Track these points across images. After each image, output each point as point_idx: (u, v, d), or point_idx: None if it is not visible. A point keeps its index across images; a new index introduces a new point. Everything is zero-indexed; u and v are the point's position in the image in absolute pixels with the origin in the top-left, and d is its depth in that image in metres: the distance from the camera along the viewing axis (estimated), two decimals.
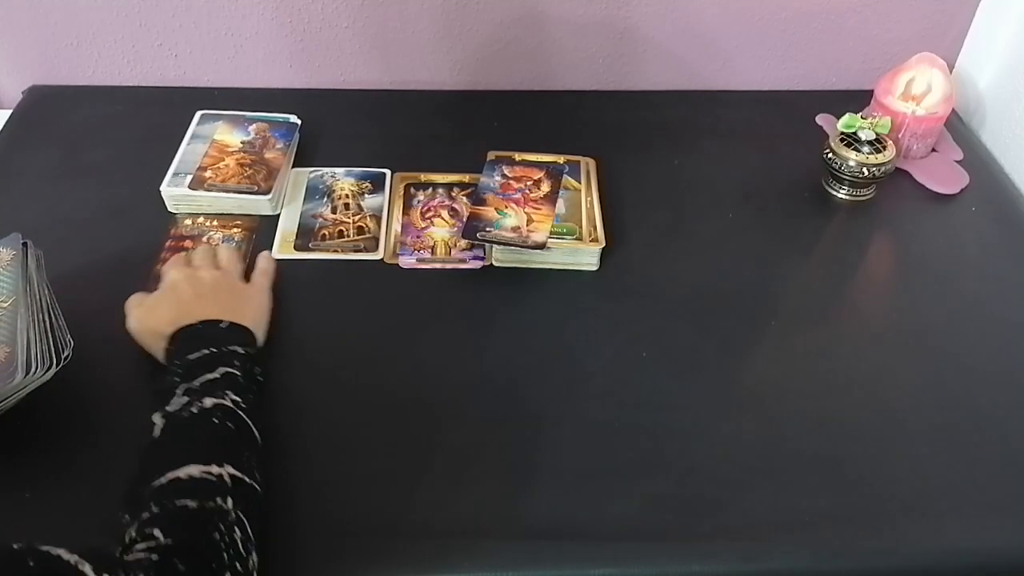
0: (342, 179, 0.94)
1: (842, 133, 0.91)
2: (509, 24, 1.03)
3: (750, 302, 0.81)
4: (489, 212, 0.85)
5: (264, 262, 0.79)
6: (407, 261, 0.84)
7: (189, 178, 0.89)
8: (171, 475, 0.55)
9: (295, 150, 0.96)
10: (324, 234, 0.87)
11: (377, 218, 0.89)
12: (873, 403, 0.73)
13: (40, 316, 0.66)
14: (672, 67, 1.09)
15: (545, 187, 0.89)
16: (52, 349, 0.65)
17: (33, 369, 0.63)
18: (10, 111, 1.04)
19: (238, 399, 0.62)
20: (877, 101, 0.97)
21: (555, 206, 0.86)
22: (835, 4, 1.03)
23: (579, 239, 0.83)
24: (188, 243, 0.85)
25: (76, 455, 0.67)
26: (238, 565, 0.52)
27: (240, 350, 0.66)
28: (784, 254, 0.87)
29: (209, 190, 0.88)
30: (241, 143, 0.94)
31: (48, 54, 1.05)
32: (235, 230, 0.87)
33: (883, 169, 0.89)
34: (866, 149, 0.89)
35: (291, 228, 0.88)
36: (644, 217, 0.90)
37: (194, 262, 0.77)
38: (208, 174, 0.90)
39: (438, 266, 0.84)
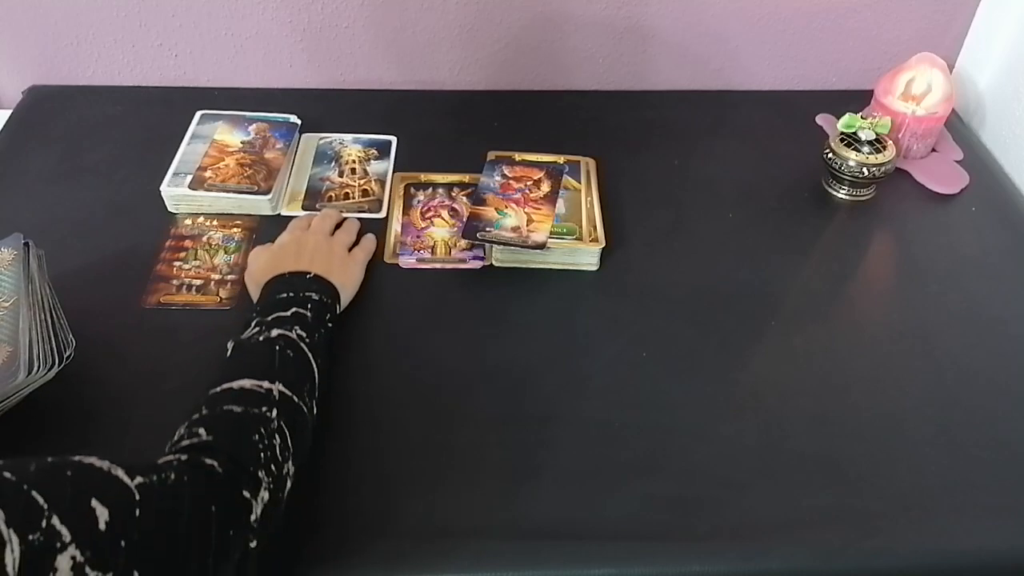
0: (350, 145, 0.98)
1: (842, 133, 0.91)
2: (509, 24, 1.03)
3: (750, 302, 0.81)
4: (489, 212, 0.85)
5: (368, 242, 0.84)
6: (407, 261, 0.84)
7: (189, 178, 0.89)
8: (225, 385, 0.60)
9: (295, 150, 0.96)
10: (331, 196, 0.91)
11: (382, 182, 0.93)
12: (873, 403, 0.73)
13: (42, 316, 0.67)
14: (672, 67, 1.09)
15: (545, 187, 0.89)
16: (54, 349, 0.65)
17: (35, 368, 0.63)
18: (10, 111, 1.04)
19: (303, 333, 0.66)
20: (877, 101, 0.97)
21: (555, 206, 0.86)
22: (835, 4, 1.03)
23: (579, 239, 0.83)
24: (188, 243, 0.85)
25: (72, 455, 0.67)
26: (272, 467, 0.55)
27: (315, 296, 0.71)
28: (784, 254, 0.87)
29: (209, 190, 0.88)
30: (241, 143, 0.95)
31: (48, 54, 1.05)
32: (235, 230, 0.87)
33: (883, 169, 0.89)
34: (866, 149, 0.89)
35: (300, 189, 0.92)
36: (644, 217, 0.90)
37: (311, 226, 0.82)
38: (208, 174, 0.90)
39: (438, 266, 0.84)
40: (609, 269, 0.84)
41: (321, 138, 0.98)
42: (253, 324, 0.67)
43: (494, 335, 0.77)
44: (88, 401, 0.71)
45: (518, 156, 0.93)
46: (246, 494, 0.52)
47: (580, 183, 0.91)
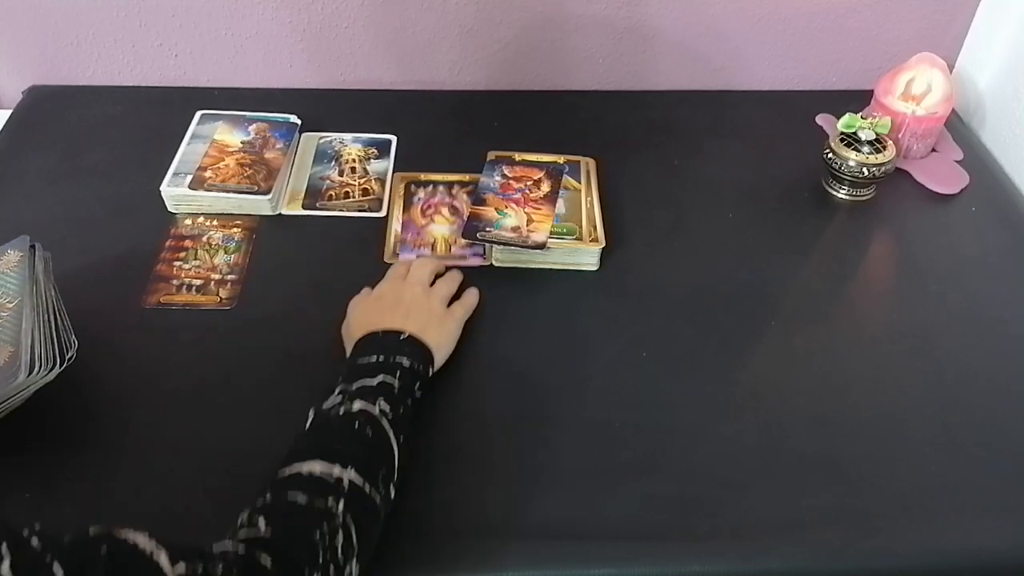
0: (349, 145, 0.98)
1: (842, 133, 0.91)
2: (509, 24, 1.04)
3: (750, 302, 0.81)
4: (489, 212, 0.85)
5: (470, 298, 0.79)
6: (407, 258, 0.84)
7: (189, 178, 0.89)
8: (295, 468, 0.56)
9: (295, 150, 0.97)
10: (331, 195, 0.91)
11: (382, 181, 0.93)
12: (873, 403, 0.73)
13: (45, 317, 0.67)
14: (672, 67, 1.09)
15: (545, 187, 0.89)
16: (56, 350, 0.65)
17: (36, 369, 0.63)
18: (10, 111, 1.04)
19: (386, 408, 0.62)
20: (877, 101, 0.97)
21: (555, 206, 0.86)
22: (835, 4, 1.03)
23: (579, 239, 0.83)
24: (188, 243, 0.85)
25: (78, 455, 0.67)
26: (332, 569, 0.51)
27: (406, 362, 0.67)
28: (784, 254, 0.87)
29: (209, 190, 0.88)
30: (241, 143, 0.95)
31: (48, 54, 1.05)
32: (235, 230, 0.87)
33: (883, 169, 0.89)
34: (866, 149, 0.89)
35: (300, 188, 0.92)
36: (644, 217, 0.90)
37: (409, 275, 0.78)
38: (208, 174, 0.90)
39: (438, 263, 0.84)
40: (609, 269, 0.84)
41: (321, 137, 0.99)
42: (337, 391, 0.63)
43: (494, 335, 0.77)
44: (88, 401, 0.71)
45: (518, 156, 0.93)
46: None
47: (580, 183, 0.91)
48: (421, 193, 0.92)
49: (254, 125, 0.97)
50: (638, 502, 0.65)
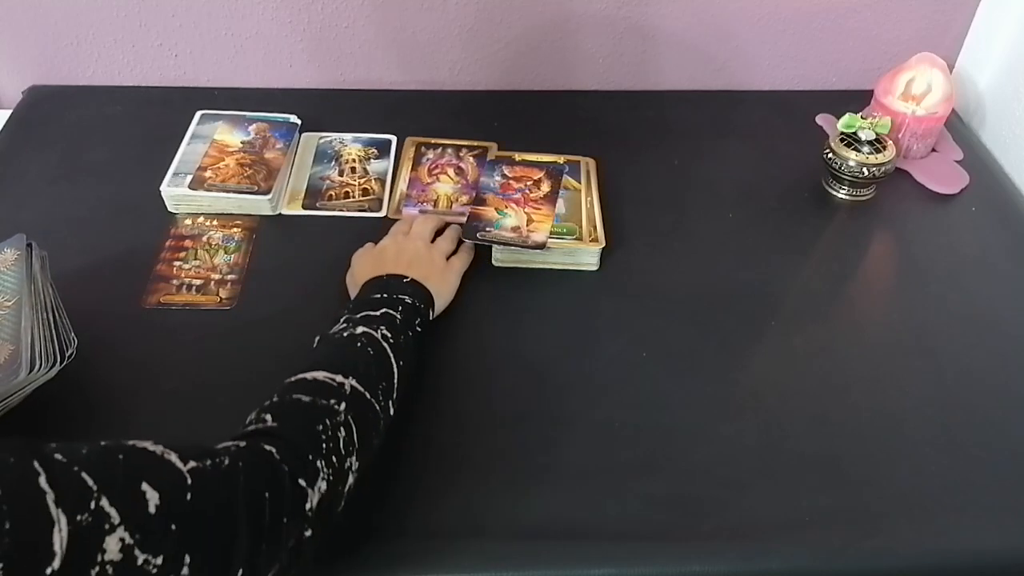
0: (349, 144, 0.98)
1: (842, 133, 0.91)
2: (509, 24, 1.04)
3: (750, 302, 0.81)
4: (489, 212, 0.85)
5: (465, 251, 0.83)
6: (409, 212, 0.87)
7: (189, 178, 0.89)
8: (300, 376, 0.60)
9: (295, 150, 0.97)
10: (331, 195, 0.91)
11: (382, 181, 0.93)
12: (873, 403, 0.73)
13: (44, 315, 0.67)
14: (672, 67, 1.09)
15: (545, 187, 0.89)
16: (56, 347, 0.65)
17: (37, 367, 0.63)
18: (10, 111, 1.04)
19: (388, 334, 0.66)
20: (877, 101, 0.97)
21: (555, 206, 0.86)
22: (835, 4, 1.03)
23: (579, 239, 0.83)
24: (188, 243, 0.85)
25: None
26: (334, 459, 0.55)
27: (408, 300, 0.72)
28: (784, 254, 0.87)
29: (209, 190, 0.88)
30: (241, 143, 0.95)
31: (48, 54, 1.05)
32: (235, 230, 0.87)
33: (883, 169, 0.89)
34: (866, 149, 0.89)
35: (300, 188, 0.92)
36: (644, 217, 0.90)
37: (411, 230, 0.83)
38: (208, 174, 0.90)
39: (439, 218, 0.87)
40: (609, 269, 0.84)
41: (321, 137, 0.99)
42: (342, 320, 0.68)
43: (494, 335, 0.77)
44: (88, 400, 0.71)
45: (518, 156, 0.93)
46: (302, 482, 0.52)
47: (580, 183, 0.91)
48: (430, 154, 0.96)
49: (254, 125, 0.97)
50: (638, 502, 0.65)
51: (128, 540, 0.40)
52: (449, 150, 0.97)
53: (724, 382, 0.74)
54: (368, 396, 0.61)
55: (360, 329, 0.66)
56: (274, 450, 0.52)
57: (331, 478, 0.54)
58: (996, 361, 0.76)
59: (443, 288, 0.77)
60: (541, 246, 0.81)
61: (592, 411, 0.71)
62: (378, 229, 0.87)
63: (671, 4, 1.02)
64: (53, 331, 0.66)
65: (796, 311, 0.81)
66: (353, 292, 0.75)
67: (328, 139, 0.99)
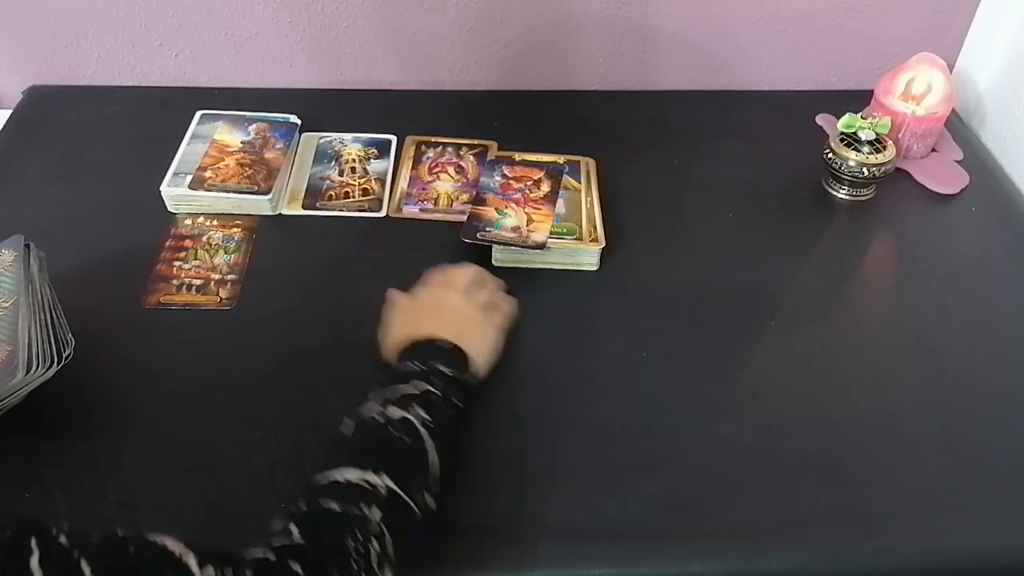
0: (349, 144, 0.98)
1: (842, 133, 0.91)
2: (509, 24, 1.04)
3: (750, 302, 0.81)
4: (489, 212, 0.85)
5: (509, 307, 0.77)
6: (410, 210, 0.88)
7: (189, 178, 0.89)
8: (329, 476, 0.55)
9: (295, 150, 0.97)
10: (331, 195, 0.91)
11: (382, 181, 0.93)
12: (873, 403, 0.73)
13: (41, 316, 0.67)
14: (672, 67, 1.09)
15: (545, 187, 0.89)
16: (53, 348, 0.65)
17: (34, 367, 0.63)
18: (10, 111, 1.04)
19: (426, 417, 0.61)
20: (877, 101, 0.97)
21: (555, 206, 0.86)
22: (835, 4, 1.03)
23: (579, 239, 0.83)
24: (188, 243, 0.85)
25: (76, 454, 0.67)
26: None
27: (447, 371, 0.66)
28: (784, 254, 0.87)
29: (209, 190, 0.88)
30: (241, 143, 0.95)
31: (48, 54, 1.05)
32: (235, 230, 0.87)
33: (883, 169, 0.89)
34: (866, 149, 0.89)
35: (300, 188, 0.92)
36: (644, 217, 0.90)
37: (448, 281, 0.75)
38: (208, 174, 0.90)
39: (439, 216, 0.88)
40: (609, 269, 0.84)
41: (321, 137, 0.99)
42: (374, 398, 0.63)
43: None
44: (88, 401, 0.71)
45: (518, 156, 0.93)
46: None
47: (580, 183, 0.91)
48: (431, 153, 0.96)
49: (254, 125, 0.97)
50: (638, 502, 0.65)
51: None
52: (449, 149, 0.97)
53: (724, 382, 0.74)
54: (406, 498, 0.55)
55: (395, 412, 0.60)
56: (299, 568, 0.48)
57: None
58: (996, 361, 0.76)
59: (484, 347, 0.71)
60: (541, 246, 0.81)
61: (592, 411, 0.71)
62: (378, 229, 0.88)
63: (671, 4, 1.02)
64: (50, 332, 0.66)
65: (796, 311, 0.81)
66: (386, 351, 0.70)
67: (328, 139, 0.99)
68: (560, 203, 0.87)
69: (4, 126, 1.01)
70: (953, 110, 1.01)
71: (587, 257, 0.84)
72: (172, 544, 0.44)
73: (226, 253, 0.85)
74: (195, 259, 0.84)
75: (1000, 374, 0.75)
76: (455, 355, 0.68)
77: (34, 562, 0.37)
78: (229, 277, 0.82)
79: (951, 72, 1.02)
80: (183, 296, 0.80)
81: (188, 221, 0.88)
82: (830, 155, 0.91)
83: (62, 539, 0.39)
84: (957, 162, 0.99)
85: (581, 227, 0.85)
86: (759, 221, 0.91)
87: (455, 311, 0.72)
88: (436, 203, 0.90)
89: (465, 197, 0.90)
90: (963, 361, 0.76)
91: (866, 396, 0.73)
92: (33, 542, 0.37)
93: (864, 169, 0.89)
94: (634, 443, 0.69)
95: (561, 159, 0.93)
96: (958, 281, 0.84)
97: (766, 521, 0.64)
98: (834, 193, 0.94)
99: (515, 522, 0.63)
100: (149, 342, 0.76)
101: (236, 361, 0.75)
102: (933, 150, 1.00)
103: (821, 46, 1.07)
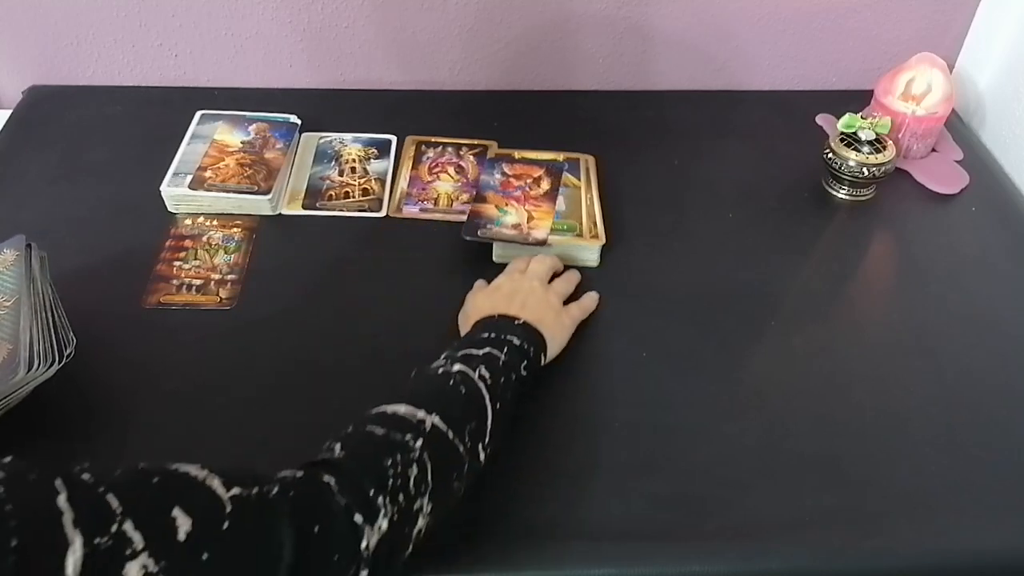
0: (349, 144, 0.98)
1: (842, 133, 0.91)
2: (509, 24, 1.04)
3: (750, 302, 0.81)
4: (490, 209, 0.86)
5: (588, 301, 0.79)
6: (410, 210, 0.89)
7: (189, 178, 0.89)
8: (381, 408, 0.57)
9: (295, 150, 0.97)
10: (331, 195, 0.91)
11: (382, 181, 0.93)
12: (873, 403, 0.73)
13: (43, 314, 0.67)
14: (672, 67, 1.09)
15: (545, 185, 0.89)
16: (54, 346, 0.65)
17: (35, 366, 0.63)
18: (10, 111, 1.04)
19: (486, 374, 0.62)
20: (877, 101, 0.97)
21: (555, 203, 0.86)
22: (835, 4, 1.03)
23: (579, 235, 0.83)
24: (188, 243, 0.85)
25: (78, 454, 0.67)
26: (400, 498, 0.51)
27: (516, 341, 0.67)
28: (784, 254, 0.87)
29: (209, 190, 0.88)
30: (241, 143, 0.95)
31: (48, 54, 1.05)
32: (235, 230, 0.87)
33: (883, 169, 0.89)
34: (866, 149, 0.89)
35: (300, 188, 0.92)
36: (644, 217, 0.90)
37: (528, 269, 0.78)
38: (208, 174, 0.90)
39: (439, 216, 0.88)
40: (610, 268, 0.84)
41: (321, 137, 0.99)
42: (443, 356, 0.65)
43: None
44: (88, 401, 0.71)
45: (518, 154, 0.94)
46: (358, 518, 0.48)
47: (580, 180, 0.91)
48: (430, 153, 0.96)
49: (254, 125, 0.97)
50: (639, 502, 0.65)
51: (152, 567, 0.38)
52: (449, 148, 0.97)
53: (724, 382, 0.74)
54: (451, 436, 0.56)
55: (457, 367, 0.62)
56: (332, 481, 0.49)
57: (395, 518, 0.50)
58: (996, 361, 0.76)
59: (557, 333, 0.73)
60: (542, 243, 0.82)
61: (592, 411, 0.71)
62: (378, 229, 0.88)
63: (671, 4, 1.02)
64: (52, 331, 0.66)
65: (796, 311, 0.81)
66: (464, 331, 0.72)
67: (328, 139, 0.99)
68: (560, 200, 0.87)
69: (4, 126, 1.01)
70: (953, 110, 1.01)
71: (588, 253, 0.84)
72: (195, 471, 0.44)
73: (226, 253, 0.85)
74: (195, 259, 0.84)
75: (1000, 374, 0.75)
76: (528, 329, 0.70)
77: (62, 500, 0.37)
78: (229, 277, 0.82)
79: (951, 72, 1.02)
80: (183, 296, 0.80)
81: (188, 221, 0.88)
82: (830, 155, 0.91)
83: (85, 476, 0.39)
84: (957, 162, 0.99)
85: (581, 224, 0.85)
86: (759, 221, 0.91)
87: (531, 295, 0.74)
88: (436, 203, 0.90)
89: (465, 197, 0.90)
90: (963, 361, 0.76)
91: (867, 396, 0.73)
92: (59, 482, 0.38)
93: (864, 169, 0.89)
94: (635, 443, 0.69)
95: (561, 157, 0.94)
96: (958, 281, 0.84)
97: (767, 521, 0.64)
98: (834, 193, 0.94)
99: (514, 522, 0.63)
100: (149, 342, 0.76)
101: (236, 361, 0.75)
102: (933, 150, 1.00)
103: (821, 46, 1.07)
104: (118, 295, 0.80)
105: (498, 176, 0.90)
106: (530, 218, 0.84)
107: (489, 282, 0.78)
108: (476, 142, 0.97)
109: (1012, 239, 0.90)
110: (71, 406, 0.70)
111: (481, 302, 0.74)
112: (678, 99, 1.08)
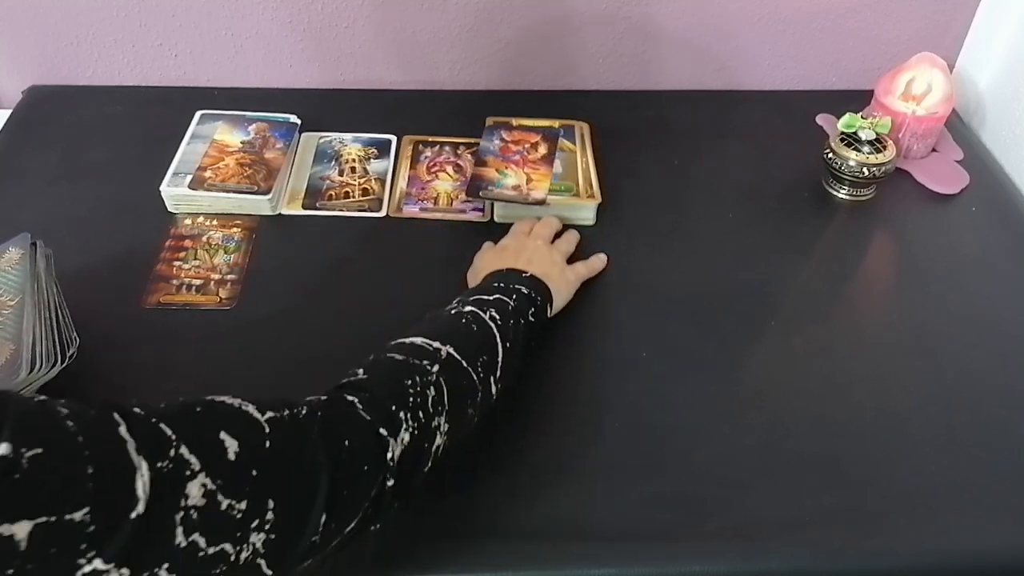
0: (349, 144, 0.98)
1: (842, 133, 0.91)
2: (509, 24, 1.04)
3: (750, 302, 0.81)
4: (490, 172, 0.90)
5: (596, 261, 0.83)
6: (410, 210, 0.89)
7: (189, 178, 0.89)
8: (399, 340, 0.61)
9: (295, 150, 0.97)
10: (331, 194, 0.91)
11: (382, 181, 0.93)
12: (873, 403, 0.73)
13: (47, 314, 0.67)
14: (673, 67, 1.09)
15: (542, 149, 0.93)
16: (57, 347, 0.65)
17: (37, 367, 0.63)
18: (10, 111, 1.04)
19: (496, 316, 0.66)
20: (877, 101, 0.97)
21: (552, 166, 0.90)
22: (835, 4, 1.03)
23: (576, 195, 0.89)
24: (188, 243, 0.85)
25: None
26: (421, 414, 0.55)
27: (524, 290, 0.71)
28: (784, 254, 0.87)
29: (209, 190, 0.88)
30: (241, 143, 0.95)
31: (48, 54, 1.05)
32: (235, 230, 0.87)
33: (883, 169, 0.89)
34: (866, 149, 0.89)
35: (300, 188, 0.92)
36: (644, 217, 0.90)
37: (532, 231, 0.83)
38: (208, 174, 0.90)
39: (439, 216, 0.89)
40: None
41: (321, 137, 0.99)
42: (455, 302, 0.68)
43: None
44: (88, 401, 0.70)
45: (515, 121, 0.97)
46: (383, 431, 0.52)
47: (575, 145, 0.95)
48: (428, 152, 0.97)
49: (254, 125, 0.97)
50: (639, 502, 0.65)
51: (210, 486, 0.41)
52: (447, 148, 0.97)
53: (724, 382, 0.74)
54: (465, 364, 0.60)
55: (468, 308, 0.66)
56: (356, 400, 0.53)
57: (415, 432, 0.54)
58: (996, 361, 0.76)
59: (562, 287, 0.77)
60: (541, 202, 0.86)
61: (592, 410, 0.71)
62: (378, 229, 0.88)
63: (671, 4, 1.02)
64: (55, 331, 0.66)
65: (796, 311, 0.81)
66: (472, 283, 0.76)
67: (328, 139, 0.99)
68: (557, 163, 0.92)
69: (4, 126, 1.01)
70: (953, 110, 1.01)
71: (584, 212, 0.88)
72: (230, 400, 0.47)
73: (226, 253, 0.85)
74: (195, 259, 0.84)
75: (1000, 374, 0.75)
76: (535, 281, 0.73)
77: (123, 431, 0.39)
78: (229, 277, 0.82)
79: (951, 72, 1.02)
80: (183, 296, 0.80)
81: (188, 221, 0.88)
82: (830, 155, 0.91)
83: (136, 410, 0.42)
84: (957, 162, 0.99)
85: (578, 185, 0.90)
86: (759, 221, 0.91)
87: (538, 252, 0.78)
88: (436, 202, 0.90)
89: (464, 196, 0.90)
90: (963, 361, 0.76)
91: (866, 396, 0.73)
92: (116, 415, 0.40)
93: (864, 169, 0.89)
94: (634, 443, 0.69)
95: (556, 124, 0.98)
96: (958, 281, 0.84)
97: (767, 521, 0.64)
98: (834, 193, 0.94)
99: (514, 522, 0.63)
100: (149, 342, 0.76)
101: (236, 361, 0.75)
102: (933, 150, 1.00)
103: (821, 46, 1.07)
104: (118, 295, 0.80)
105: (497, 142, 0.94)
106: (529, 180, 0.88)
107: (496, 243, 0.82)
108: (473, 141, 0.98)
109: (1012, 239, 0.90)
110: None
111: (489, 259, 0.78)
112: (678, 99, 1.08)
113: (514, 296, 0.70)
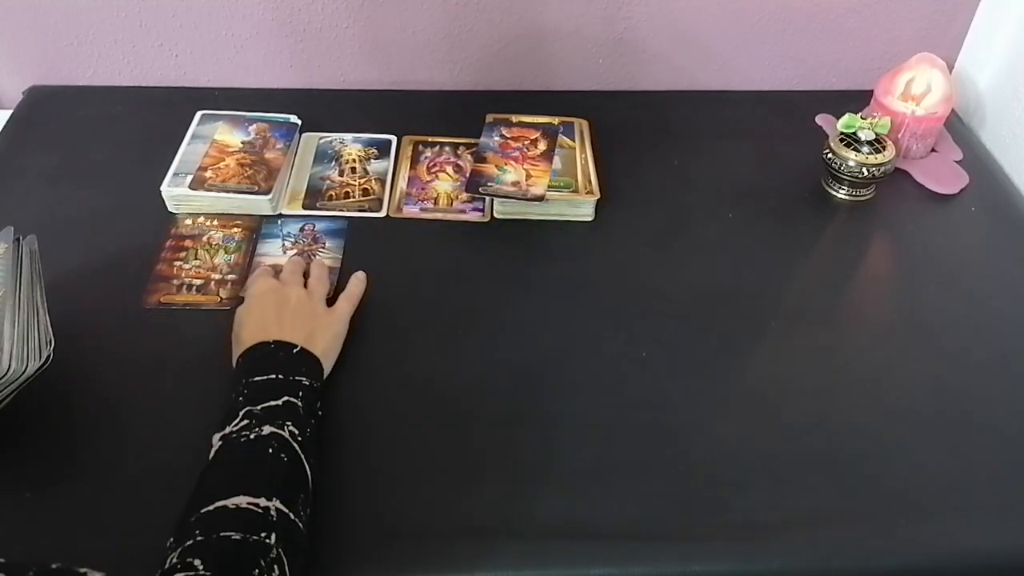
0: (349, 144, 0.98)
1: (842, 133, 0.91)
2: (509, 24, 1.03)
3: (750, 302, 0.81)
4: (490, 169, 0.90)
5: (354, 286, 0.79)
6: (410, 210, 0.89)
7: (189, 178, 0.89)
8: (219, 503, 0.55)
9: (295, 150, 0.97)
10: (331, 195, 0.91)
11: (382, 181, 0.93)
12: (873, 403, 0.73)
13: (22, 315, 0.64)
14: (672, 67, 1.09)
15: (542, 146, 0.94)
16: (29, 349, 0.63)
17: (10, 368, 0.61)
18: (10, 111, 1.04)
19: (295, 431, 0.61)
20: (877, 101, 0.97)
21: (551, 163, 0.91)
22: (835, 4, 1.03)
23: (575, 192, 0.89)
24: (188, 243, 0.85)
25: (73, 454, 0.67)
26: None
27: (305, 381, 0.66)
28: (784, 254, 0.87)
29: (209, 190, 0.88)
30: (241, 143, 0.95)
31: (48, 54, 1.05)
32: (235, 230, 0.87)
33: (883, 169, 0.90)
34: (866, 149, 0.89)
35: (300, 188, 0.92)
36: (644, 217, 0.90)
37: (282, 276, 0.78)
38: (208, 174, 0.90)
39: (439, 216, 0.89)
40: (611, 267, 0.84)
41: (321, 137, 0.99)
42: (241, 413, 0.62)
43: (494, 336, 0.77)
44: (88, 401, 0.71)
45: (515, 118, 0.98)
46: None
47: (574, 142, 0.96)
48: (428, 152, 0.97)
49: (254, 125, 0.97)
50: (638, 502, 0.65)
51: None
52: (447, 148, 0.98)
53: (724, 382, 0.74)
54: (292, 517, 0.56)
55: (267, 429, 0.60)
56: None
57: None
58: (997, 361, 0.76)
59: (330, 344, 0.72)
60: (540, 198, 0.86)
61: (591, 410, 0.71)
62: (378, 229, 0.88)
63: (671, 4, 1.02)
64: (36, 330, 0.64)
65: (796, 311, 0.81)
66: (234, 353, 0.70)
67: (328, 139, 0.99)
68: (556, 160, 0.92)
69: (4, 126, 1.01)
70: (953, 110, 1.01)
71: (584, 208, 0.89)
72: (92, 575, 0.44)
73: (226, 253, 0.85)
74: (195, 259, 0.84)
75: (1000, 374, 0.75)
76: (307, 359, 0.69)
77: None
78: (229, 277, 0.82)
79: (951, 72, 1.02)
80: (183, 296, 0.80)
81: (188, 221, 0.88)
82: (830, 155, 0.91)
83: None
84: (957, 162, 0.99)
85: (577, 181, 0.90)
86: (759, 221, 0.91)
87: (299, 308, 0.73)
88: (436, 202, 0.91)
89: (465, 196, 0.90)
90: (963, 361, 0.76)
91: (866, 396, 0.73)
92: None
93: (864, 169, 0.89)
94: (634, 443, 0.69)
95: (556, 120, 0.98)
96: (958, 281, 0.84)
97: (767, 521, 0.64)
98: (834, 193, 0.94)
99: (514, 522, 0.63)
100: (149, 342, 0.76)
101: None
102: (933, 150, 1.00)
103: (821, 46, 1.07)
104: (118, 295, 0.80)
105: (497, 138, 0.94)
106: (528, 176, 0.89)
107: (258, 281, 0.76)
108: (473, 141, 0.97)
109: (1012, 239, 0.90)
110: (71, 406, 0.70)
111: (251, 325, 0.71)
112: (678, 99, 1.08)
113: (300, 393, 0.65)
